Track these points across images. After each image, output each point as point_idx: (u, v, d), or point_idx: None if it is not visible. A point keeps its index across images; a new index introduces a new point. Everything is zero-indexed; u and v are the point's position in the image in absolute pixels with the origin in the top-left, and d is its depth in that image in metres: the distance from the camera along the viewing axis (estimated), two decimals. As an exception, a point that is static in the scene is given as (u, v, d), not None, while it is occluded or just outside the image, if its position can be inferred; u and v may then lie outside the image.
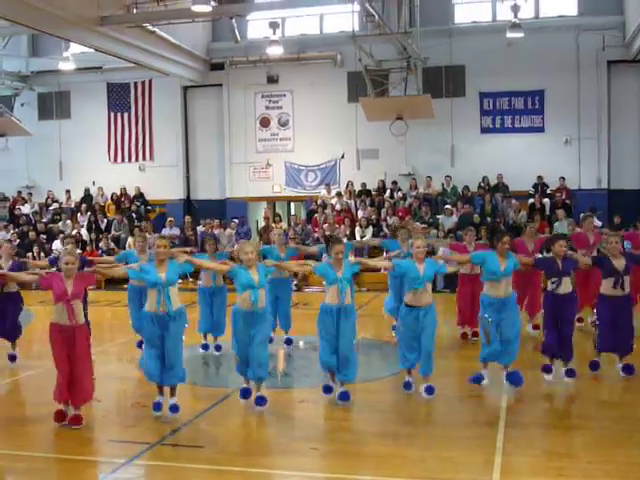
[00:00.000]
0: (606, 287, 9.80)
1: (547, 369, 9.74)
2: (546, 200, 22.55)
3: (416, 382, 9.34)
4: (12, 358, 11.44)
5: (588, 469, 6.90)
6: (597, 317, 9.96)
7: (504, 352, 9.35)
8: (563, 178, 23.04)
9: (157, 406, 8.61)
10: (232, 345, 8.96)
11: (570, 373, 9.69)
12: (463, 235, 13.48)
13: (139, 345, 11.50)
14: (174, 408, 8.60)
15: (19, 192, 27.71)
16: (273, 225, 23.45)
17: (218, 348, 12.00)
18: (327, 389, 9.20)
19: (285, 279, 12.21)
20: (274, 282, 11.60)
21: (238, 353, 8.81)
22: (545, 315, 9.81)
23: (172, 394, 8.67)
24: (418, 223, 21.19)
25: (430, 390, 9.14)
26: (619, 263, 9.73)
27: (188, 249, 12.47)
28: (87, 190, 26.93)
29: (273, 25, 22.69)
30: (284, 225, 24.21)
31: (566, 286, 9.57)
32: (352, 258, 9.55)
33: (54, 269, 9.41)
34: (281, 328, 12.21)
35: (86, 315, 10.70)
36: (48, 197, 27.28)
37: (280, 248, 11.96)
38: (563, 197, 22.58)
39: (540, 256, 10.50)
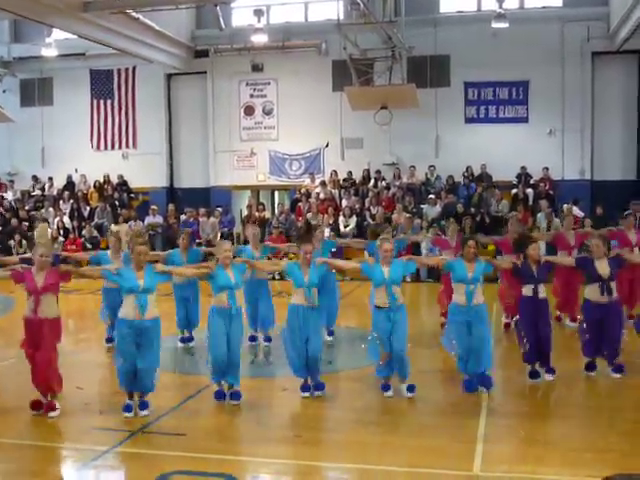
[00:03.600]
0: (590, 293, 9.57)
1: (534, 374, 9.51)
2: (529, 190, 22.61)
3: (395, 383, 9.13)
4: None
5: (568, 457, 6.95)
6: (583, 323, 9.70)
7: (473, 361, 9.04)
8: (547, 168, 23.09)
9: (128, 408, 8.29)
10: (207, 348, 8.79)
11: (550, 371, 9.55)
12: (446, 228, 13.44)
13: (108, 340, 11.42)
14: (143, 405, 8.36)
15: (-2, 180, 27.60)
16: (256, 214, 23.41)
17: (190, 339, 11.90)
18: (305, 387, 9.01)
19: (262, 280, 11.87)
20: (251, 284, 11.46)
21: (214, 357, 8.62)
22: (523, 321, 9.55)
23: (141, 396, 8.43)
24: (405, 213, 21.25)
25: (411, 388, 8.92)
26: (603, 267, 9.46)
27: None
28: (70, 177, 26.75)
29: (258, 13, 22.60)
30: (267, 214, 24.18)
31: (542, 291, 9.37)
32: (319, 259, 9.32)
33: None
34: (261, 328, 11.93)
35: None
36: (35, 181, 27.09)
37: (254, 247, 11.81)
38: (546, 187, 22.65)
39: (518, 261, 10.12)
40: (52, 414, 8.25)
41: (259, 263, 10.46)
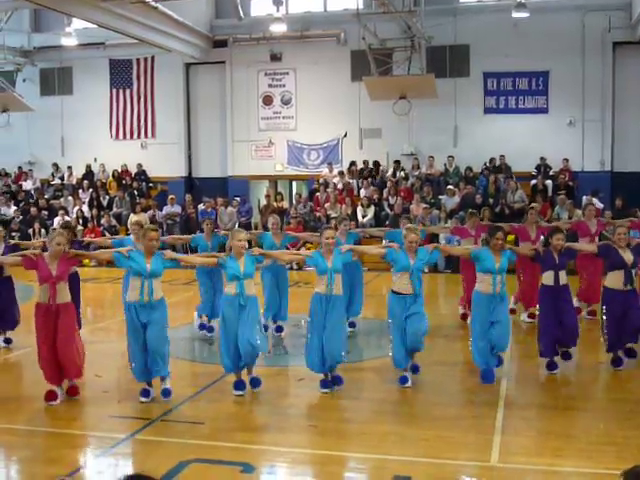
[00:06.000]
0: (612, 280, 9.48)
1: (551, 366, 9.45)
2: (549, 182, 22.46)
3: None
4: (7, 341, 11.36)
5: (586, 450, 6.92)
6: (604, 315, 9.57)
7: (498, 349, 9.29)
8: (566, 160, 22.95)
9: (145, 393, 8.46)
10: (219, 337, 8.83)
11: (566, 356, 9.57)
12: (466, 218, 13.44)
13: None
14: (166, 392, 8.51)
15: (19, 167, 27.76)
16: (274, 204, 23.43)
17: (211, 329, 11.89)
18: (324, 384, 8.87)
19: (283, 267, 11.96)
20: (272, 269, 11.54)
21: (224, 347, 8.62)
22: (543, 311, 9.52)
23: (162, 380, 8.58)
24: (422, 204, 21.22)
25: (415, 369, 9.14)
26: (627, 256, 9.38)
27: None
28: (89, 167, 26.91)
29: (277, 2, 22.51)
30: (285, 204, 24.19)
31: (563, 278, 9.34)
32: (344, 246, 9.29)
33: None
34: (276, 319, 11.93)
35: (78, 293, 10.76)
36: (55, 169, 27.26)
37: (275, 236, 11.77)
38: (566, 179, 22.49)
39: (539, 248, 10.10)
40: (75, 397, 8.36)
41: (278, 253, 10.45)
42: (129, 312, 8.43)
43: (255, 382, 8.81)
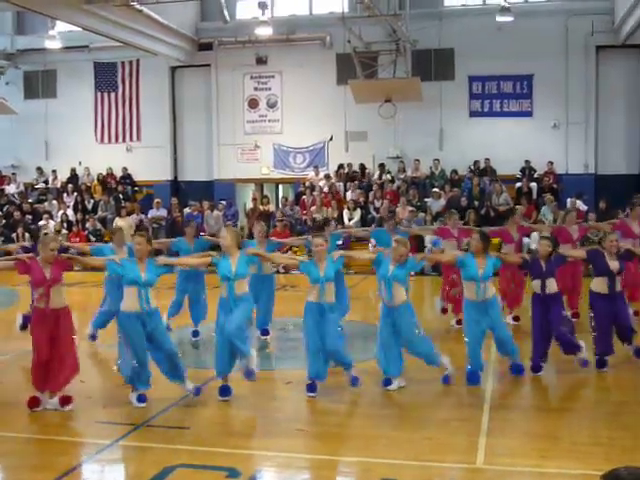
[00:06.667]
0: (597, 285, 9.55)
1: (536, 368, 9.42)
2: (533, 184, 22.59)
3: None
4: None
5: (572, 451, 6.94)
6: (593, 317, 9.58)
7: (506, 352, 9.37)
8: (551, 162, 23.10)
9: (141, 398, 8.44)
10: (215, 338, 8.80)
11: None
12: (446, 219, 13.48)
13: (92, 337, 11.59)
14: (197, 390, 8.63)
15: (-1, 171, 27.64)
16: (260, 207, 23.41)
17: (196, 334, 11.86)
18: (311, 388, 8.82)
19: (268, 275, 11.77)
20: (256, 278, 11.23)
21: (218, 349, 8.58)
22: (531, 317, 9.55)
23: (183, 383, 8.65)
24: (408, 207, 21.27)
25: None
26: (613, 263, 9.43)
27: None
28: (73, 170, 26.78)
29: (262, 5, 22.51)
30: (272, 207, 24.18)
31: (551, 286, 9.30)
32: (335, 252, 9.25)
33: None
34: (257, 327, 11.61)
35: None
36: (39, 173, 27.10)
37: (260, 244, 11.52)
38: (550, 181, 22.62)
39: (526, 256, 10.10)
40: (68, 407, 8.27)
41: (271, 254, 10.37)
42: (129, 322, 8.26)
43: (249, 374, 8.62)
